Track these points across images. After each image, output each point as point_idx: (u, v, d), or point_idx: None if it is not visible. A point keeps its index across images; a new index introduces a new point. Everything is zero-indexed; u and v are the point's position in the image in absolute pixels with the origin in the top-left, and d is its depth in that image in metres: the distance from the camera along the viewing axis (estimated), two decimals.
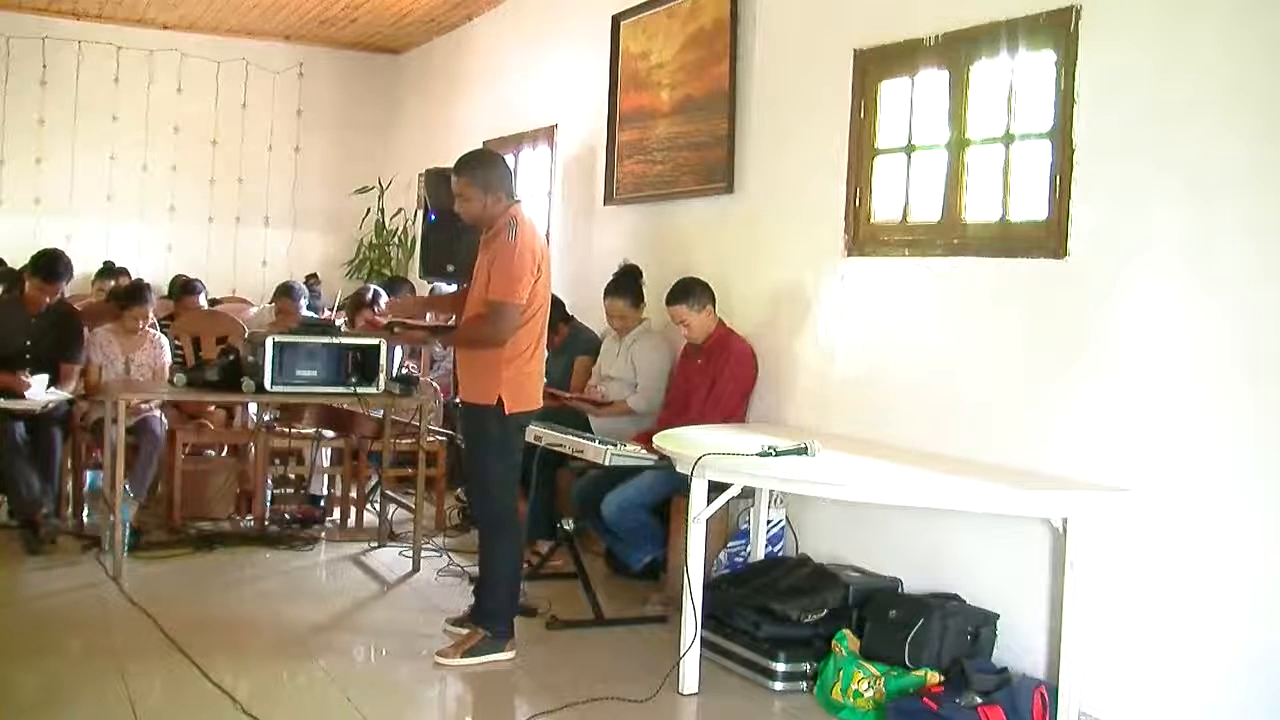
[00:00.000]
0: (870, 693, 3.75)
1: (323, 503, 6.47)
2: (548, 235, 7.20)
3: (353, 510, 6.38)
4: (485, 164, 4.32)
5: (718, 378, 5.13)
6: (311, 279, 9.33)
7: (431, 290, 7.47)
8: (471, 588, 4.59)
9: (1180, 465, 3.43)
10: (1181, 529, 3.42)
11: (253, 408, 6.47)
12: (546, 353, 4.46)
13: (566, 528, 4.88)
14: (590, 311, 6.42)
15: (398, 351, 6.32)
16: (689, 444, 4.19)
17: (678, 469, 4.08)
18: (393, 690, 4.02)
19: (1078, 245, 3.79)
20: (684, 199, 5.99)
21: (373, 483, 6.48)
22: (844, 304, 4.81)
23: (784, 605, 4.12)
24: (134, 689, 3.76)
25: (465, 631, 4.30)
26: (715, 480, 3.96)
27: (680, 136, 5.98)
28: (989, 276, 4.14)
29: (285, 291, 7.29)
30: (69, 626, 4.46)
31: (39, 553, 5.40)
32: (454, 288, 6.38)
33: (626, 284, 5.79)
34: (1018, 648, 3.86)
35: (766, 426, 4.84)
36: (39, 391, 5.65)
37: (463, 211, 4.29)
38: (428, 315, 5.58)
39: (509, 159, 7.31)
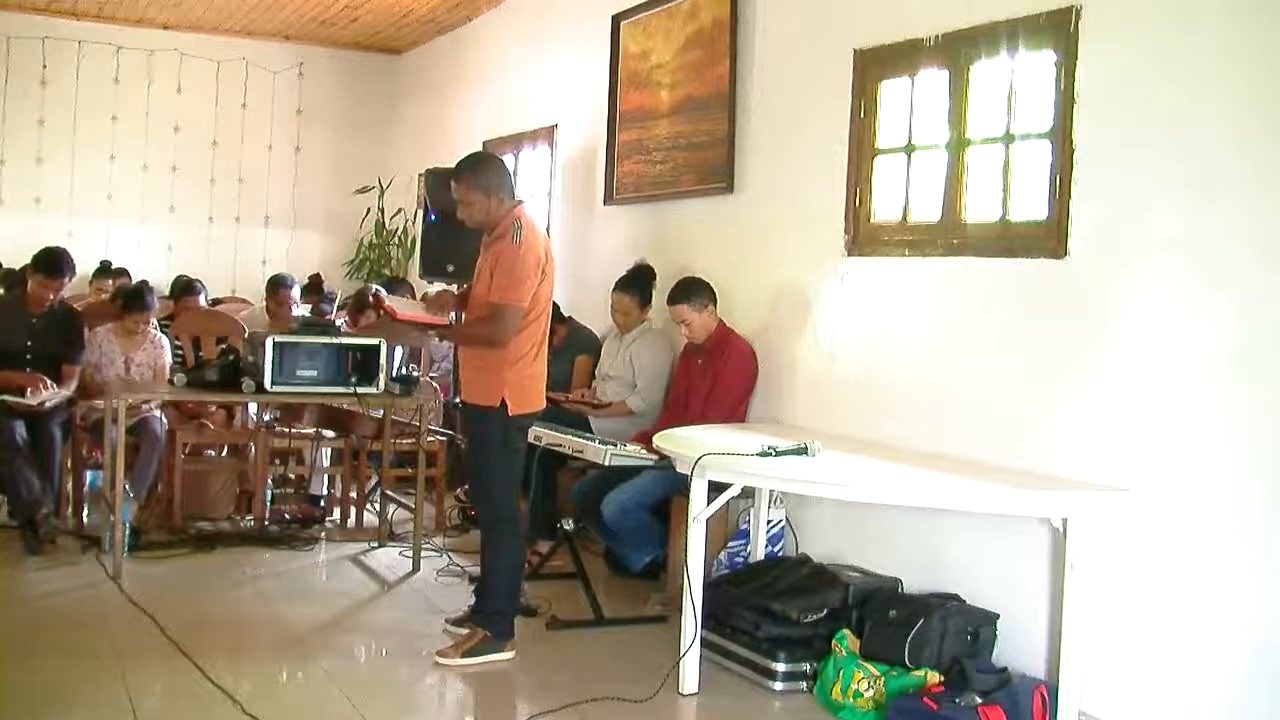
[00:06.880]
0: (870, 693, 3.75)
1: (323, 503, 6.47)
2: (547, 235, 7.19)
3: (353, 510, 6.38)
4: (484, 167, 4.30)
5: (718, 378, 5.13)
6: (315, 280, 9.29)
7: (423, 297, 7.46)
8: (472, 587, 4.60)
9: (1180, 465, 3.43)
10: (1181, 529, 3.42)
11: (253, 408, 6.47)
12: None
13: (566, 528, 4.89)
14: (590, 311, 6.42)
15: (398, 351, 6.32)
16: (689, 444, 4.19)
17: (678, 469, 4.08)
18: (393, 690, 4.02)
19: (1078, 245, 3.79)
20: (684, 199, 5.99)
21: (373, 483, 6.48)
22: (844, 304, 4.81)
23: (784, 605, 4.12)
24: (134, 689, 3.76)
25: (465, 631, 4.31)
26: (715, 480, 3.96)
27: (680, 136, 5.98)
28: (989, 276, 4.14)
29: (276, 283, 7.20)
30: (69, 626, 4.45)
31: (39, 553, 5.39)
32: (452, 288, 6.37)
33: (638, 282, 5.79)
34: (1018, 648, 3.86)
35: (766, 426, 4.84)
36: (51, 398, 5.67)
37: (466, 217, 4.25)
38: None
39: (509, 159, 7.35)
